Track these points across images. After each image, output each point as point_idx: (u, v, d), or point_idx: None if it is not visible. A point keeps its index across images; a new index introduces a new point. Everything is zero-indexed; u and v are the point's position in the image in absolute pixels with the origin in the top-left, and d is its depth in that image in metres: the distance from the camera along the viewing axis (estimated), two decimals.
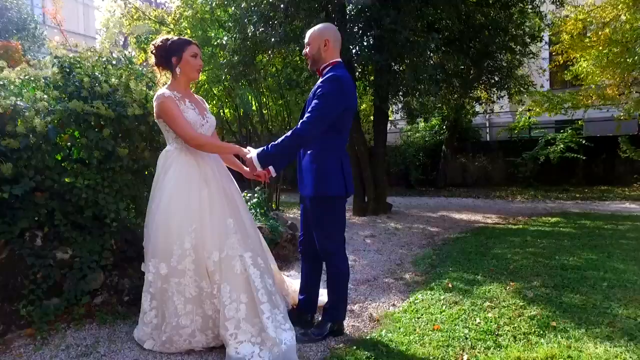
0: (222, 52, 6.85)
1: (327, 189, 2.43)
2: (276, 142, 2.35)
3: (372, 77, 7.12)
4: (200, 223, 2.39)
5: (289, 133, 2.33)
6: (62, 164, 2.80)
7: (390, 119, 13.09)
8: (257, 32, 5.98)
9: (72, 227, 3.01)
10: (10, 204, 2.88)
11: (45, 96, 2.62)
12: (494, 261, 4.27)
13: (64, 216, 2.95)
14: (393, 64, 6.88)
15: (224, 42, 6.62)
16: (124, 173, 2.97)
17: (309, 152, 2.48)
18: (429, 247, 5.17)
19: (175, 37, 2.57)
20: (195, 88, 7.57)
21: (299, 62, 7.48)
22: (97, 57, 3.07)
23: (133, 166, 3.06)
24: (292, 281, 3.26)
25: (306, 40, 2.56)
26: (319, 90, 2.36)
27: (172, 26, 7.20)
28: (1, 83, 2.63)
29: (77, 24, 21.70)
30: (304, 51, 2.58)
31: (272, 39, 5.87)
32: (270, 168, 2.69)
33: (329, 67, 2.46)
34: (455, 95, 9.42)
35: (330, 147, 2.44)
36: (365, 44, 6.85)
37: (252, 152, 2.42)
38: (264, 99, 8.78)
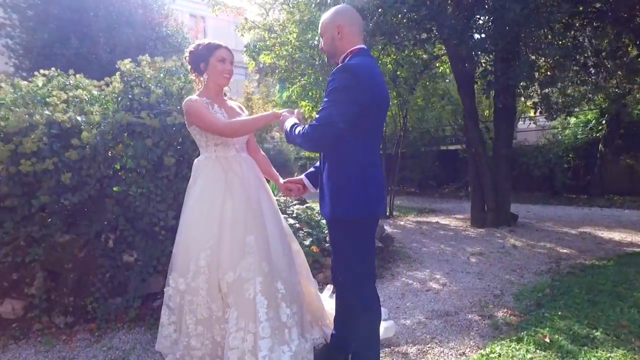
0: (318, 53, 6.74)
1: (344, 210, 1.97)
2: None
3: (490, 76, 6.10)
4: (218, 239, 2.21)
5: (299, 138, 1.97)
6: (119, 173, 2.94)
7: (530, 114, 11.29)
8: None
9: (135, 232, 3.18)
10: (88, 208, 3.18)
11: (99, 109, 2.77)
12: (632, 311, 3.06)
13: (127, 221, 3.13)
14: (521, 49, 5.78)
15: (316, 43, 6.48)
16: (174, 182, 2.99)
17: (326, 163, 2.07)
18: (547, 276, 4.12)
19: (207, 42, 2.39)
20: (304, 91, 7.62)
21: (398, 56, 6.89)
22: (158, 68, 3.16)
23: (187, 174, 3.08)
24: None
25: (319, 31, 2.16)
26: (328, 86, 1.94)
27: (279, 31, 7.40)
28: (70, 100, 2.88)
29: (227, 40, 24.59)
30: (320, 45, 2.18)
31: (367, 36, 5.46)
32: (307, 182, 2.38)
33: (349, 57, 2.02)
34: (614, 81, 7.53)
35: (349, 156, 1.98)
36: (483, 31, 5.90)
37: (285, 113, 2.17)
38: None
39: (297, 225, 4.17)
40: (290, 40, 7.12)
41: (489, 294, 3.65)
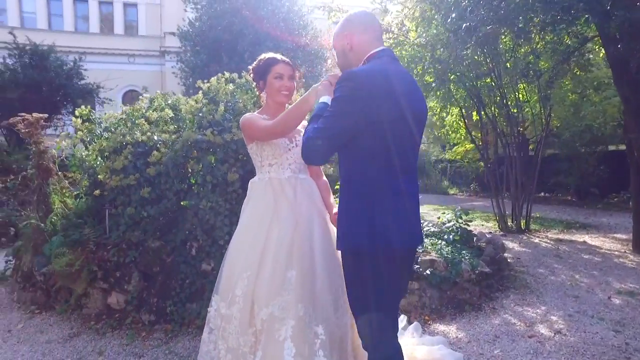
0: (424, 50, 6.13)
1: (346, 240, 1.68)
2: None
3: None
4: (258, 269, 2.06)
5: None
6: (193, 188, 3.13)
7: None
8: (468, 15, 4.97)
9: (212, 243, 3.36)
10: (173, 219, 3.49)
11: (173, 128, 2.99)
12: None
13: (204, 232, 3.32)
14: None
15: (422, 39, 5.89)
16: (242, 197, 3.05)
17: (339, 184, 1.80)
18: None
19: (267, 56, 2.25)
20: (433, 91, 7.10)
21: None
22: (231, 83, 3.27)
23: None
24: (426, 349, 2.43)
25: (332, 43, 1.86)
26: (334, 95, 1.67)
27: (396, 31, 7.02)
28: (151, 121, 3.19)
29: None
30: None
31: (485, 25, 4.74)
32: None
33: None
34: None
35: (356, 179, 1.67)
36: None
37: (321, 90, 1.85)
38: (512, 95, 7.30)
39: None
40: (409, 40, 6.69)
41: (618, 354, 2.75)
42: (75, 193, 3.89)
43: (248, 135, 2.17)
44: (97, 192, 3.35)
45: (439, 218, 4.90)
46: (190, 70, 15.36)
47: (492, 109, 7.45)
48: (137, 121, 3.17)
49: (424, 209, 11.03)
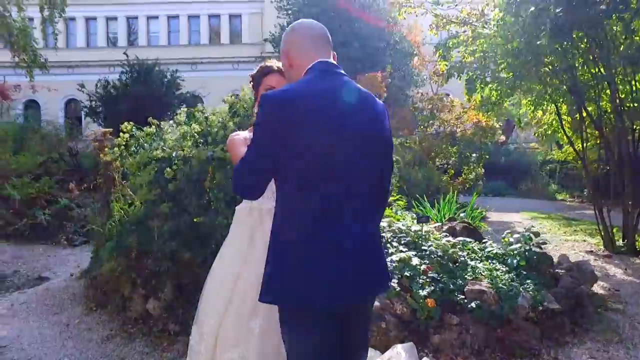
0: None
1: (265, 290, 1.43)
2: None
3: None
4: (223, 313, 1.93)
5: None
6: (211, 203, 3.13)
7: None
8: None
9: None
10: (203, 230, 3.55)
11: (189, 144, 3.01)
12: None
13: None
14: None
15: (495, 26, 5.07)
16: None
17: None
18: None
19: (265, 65, 2.08)
20: (508, 85, 6.25)
21: None
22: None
23: None
24: None
25: None
26: None
27: (475, 22, 6.26)
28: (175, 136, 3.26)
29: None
30: None
31: None
32: None
33: None
34: None
35: (285, 216, 1.43)
36: None
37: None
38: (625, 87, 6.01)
39: (424, 266, 3.42)
40: (488, 33, 5.92)
41: None
42: (130, 202, 4.19)
43: (232, 157, 2.04)
44: (137, 202, 3.55)
45: (507, 236, 4.22)
46: None
47: (602, 103, 6.24)
48: (164, 137, 3.28)
49: (518, 217, 9.81)
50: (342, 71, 1.49)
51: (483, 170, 10.16)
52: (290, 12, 16.02)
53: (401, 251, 3.60)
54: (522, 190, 14.39)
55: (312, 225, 1.36)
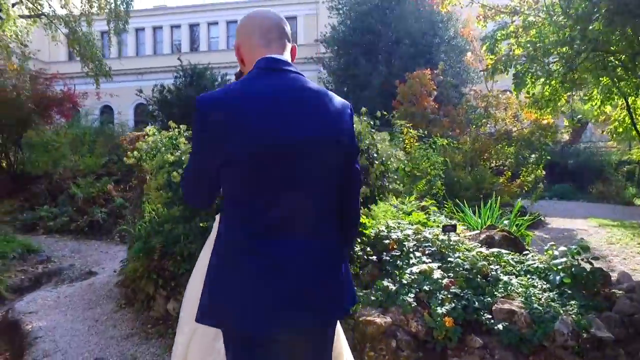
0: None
1: (200, 311, 1.32)
2: None
3: None
4: (192, 331, 1.85)
5: None
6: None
7: None
8: None
9: None
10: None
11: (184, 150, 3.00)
12: None
13: None
14: None
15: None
16: None
17: None
18: None
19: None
20: (565, 80, 5.63)
21: None
22: None
23: None
24: None
25: None
26: None
27: (527, 9, 5.68)
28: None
29: None
30: None
31: None
32: None
33: None
34: None
35: (220, 230, 1.33)
36: None
37: None
38: None
39: (446, 281, 3.13)
40: (539, 21, 5.36)
41: None
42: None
43: None
44: (158, 205, 3.63)
45: (550, 248, 3.76)
46: (331, 75, 15.85)
47: None
48: (175, 142, 3.31)
49: (584, 224, 8.87)
50: (292, 68, 1.34)
51: (544, 172, 9.33)
52: (340, 11, 15.89)
53: (424, 262, 3.34)
54: (592, 194, 13.02)
55: (249, 243, 1.24)
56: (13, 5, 9.07)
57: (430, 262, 3.32)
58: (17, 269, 5.71)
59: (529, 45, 5.08)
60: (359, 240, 3.71)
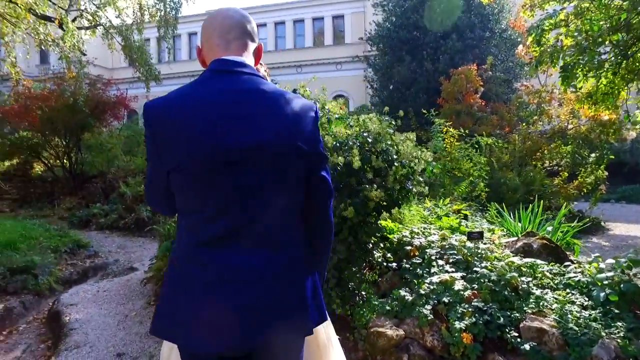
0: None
1: (152, 324, 1.27)
2: None
3: None
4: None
5: None
6: None
7: None
8: None
9: None
10: None
11: None
12: None
13: None
14: None
15: None
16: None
17: None
18: None
19: None
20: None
21: None
22: None
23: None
24: None
25: None
26: None
27: None
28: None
29: None
30: None
31: None
32: None
33: None
34: None
35: (177, 237, 1.29)
36: None
37: None
38: None
39: (468, 292, 2.89)
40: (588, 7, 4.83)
41: None
42: None
43: None
44: None
45: (596, 259, 3.37)
46: (376, 73, 15.56)
47: None
48: None
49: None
50: (246, 69, 1.25)
51: (606, 173, 8.51)
52: (385, 8, 15.55)
53: (446, 271, 3.12)
54: None
55: (194, 253, 1.19)
56: (74, 19, 9.76)
57: (453, 272, 3.09)
58: (67, 262, 6.12)
59: (576, 34, 4.59)
60: (382, 246, 3.56)
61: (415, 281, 3.05)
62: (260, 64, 2.01)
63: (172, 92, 1.24)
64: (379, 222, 3.29)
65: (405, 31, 14.20)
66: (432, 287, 2.94)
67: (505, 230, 4.61)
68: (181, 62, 26.89)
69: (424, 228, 3.81)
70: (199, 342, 1.15)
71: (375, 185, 2.96)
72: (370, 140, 3.03)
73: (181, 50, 28.50)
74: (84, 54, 9.71)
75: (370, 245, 3.36)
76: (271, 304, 1.18)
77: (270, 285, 1.18)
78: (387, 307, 2.90)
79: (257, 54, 1.35)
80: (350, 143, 2.89)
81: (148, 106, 1.21)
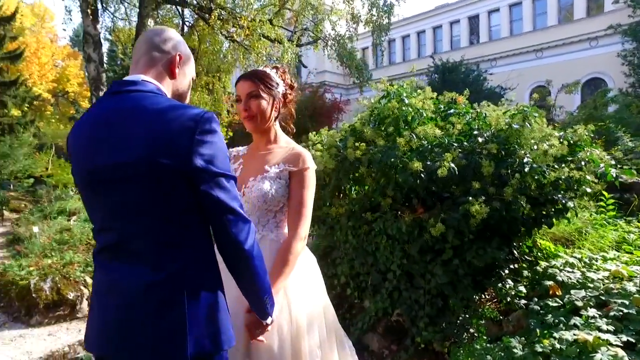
0: None
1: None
2: None
3: None
4: None
5: None
6: None
7: None
8: None
9: None
10: None
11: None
12: None
13: None
14: None
15: None
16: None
17: None
18: None
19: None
20: None
21: None
22: None
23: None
24: None
25: None
26: None
27: None
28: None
29: None
30: None
31: None
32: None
33: None
34: None
35: None
36: None
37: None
38: None
39: None
40: None
41: None
42: None
43: None
44: None
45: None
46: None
47: None
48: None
49: None
50: (137, 87, 1.21)
51: None
52: None
53: (597, 328, 2.13)
54: None
55: (96, 260, 1.28)
56: (299, 37, 11.44)
57: (608, 331, 2.10)
58: None
59: None
60: (524, 275, 2.75)
61: (538, 331, 2.23)
62: (277, 67, 1.88)
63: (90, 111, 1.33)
64: (502, 245, 2.57)
65: None
66: (560, 346, 2.08)
67: None
68: (396, 65, 27.37)
69: (596, 258, 2.73)
70: (90, 345, 1.24)
71: (483, 198, 2.33)
72: (481, 140, 2.40)
73: (395, 54, 29.14)
74: (305, 66, 11.21)
75: (499, 272, 2.67)
76: (133, 324, 1.13)
77: (140, 304, 1.14)
78: (489, 357, 2.23)
79: (170, 66, 1.30)
80: (442, 146, 2.36)
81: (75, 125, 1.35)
